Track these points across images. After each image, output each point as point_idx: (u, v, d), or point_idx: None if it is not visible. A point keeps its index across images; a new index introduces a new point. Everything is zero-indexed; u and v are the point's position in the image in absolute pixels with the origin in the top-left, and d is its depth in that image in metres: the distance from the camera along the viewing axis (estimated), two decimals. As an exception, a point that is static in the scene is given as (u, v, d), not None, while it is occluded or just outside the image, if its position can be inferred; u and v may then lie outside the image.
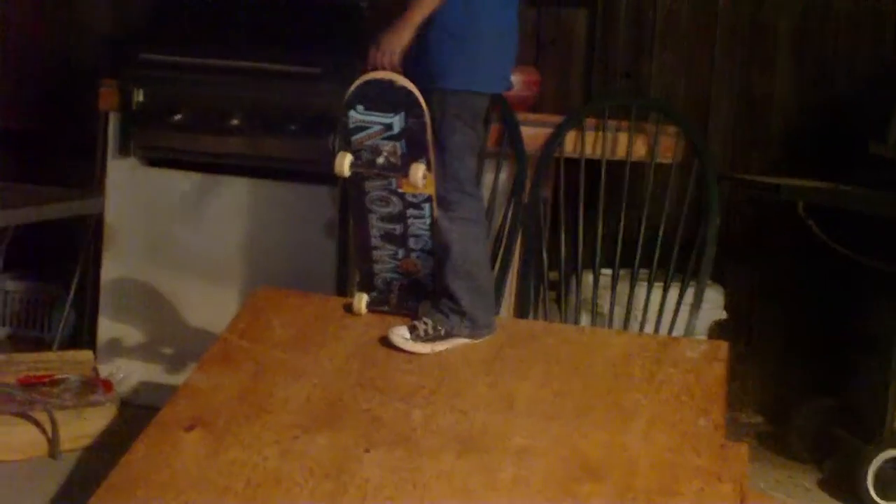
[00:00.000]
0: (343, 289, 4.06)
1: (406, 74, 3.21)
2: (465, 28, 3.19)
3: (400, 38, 3.19)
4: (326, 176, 3.68)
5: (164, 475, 2.82)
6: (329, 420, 2.98)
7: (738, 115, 4.33)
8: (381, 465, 2.82)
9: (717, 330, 3.99)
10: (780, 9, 4.28)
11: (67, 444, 3.69)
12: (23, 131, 5.03)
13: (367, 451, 2.86)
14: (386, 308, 3.46)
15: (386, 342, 3.28)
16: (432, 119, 3.22)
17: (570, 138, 3.97)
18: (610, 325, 3.86)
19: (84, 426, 3.79)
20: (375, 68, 3.19)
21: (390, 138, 3.25)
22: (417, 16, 3.17)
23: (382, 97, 3.21)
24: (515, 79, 3.93)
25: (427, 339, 3.26)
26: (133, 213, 4.37)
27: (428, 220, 3.37)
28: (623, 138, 3.93)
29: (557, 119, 4.00)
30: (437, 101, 3.22)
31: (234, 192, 4.28)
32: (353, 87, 3.24)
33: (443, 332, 3.27)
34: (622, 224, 3.87)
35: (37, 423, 3.70)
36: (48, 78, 5.08)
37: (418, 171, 3.23)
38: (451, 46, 3.20)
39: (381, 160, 3.28)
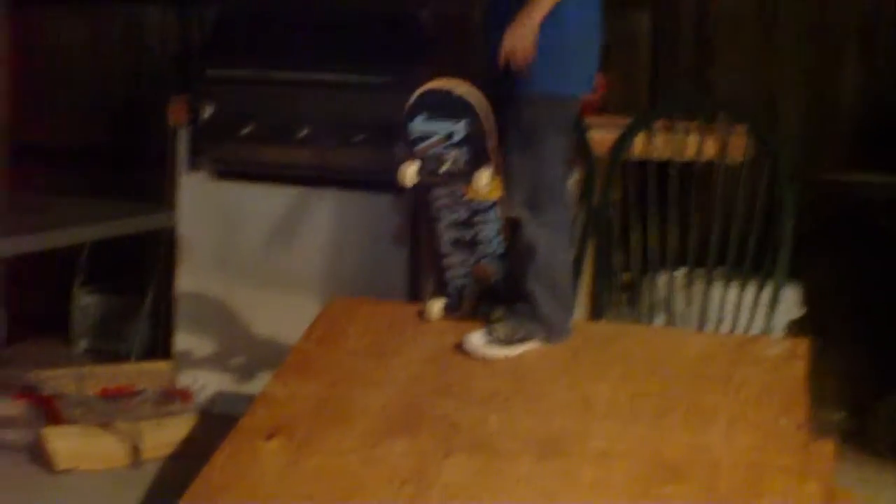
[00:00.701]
0: (415, 296, 4.07)
1: (499, 77, 3.20)
2: (553, 29, 3.17)
3: (532, 23, 3.14)
4: (395, 185, 3.70)
5: (245, 484, 2.84)
6: (407, 426, 2.99)
7: (806, 113, 4.28)
8: (461, 469, 2.82)
9: (795, 328, 3.95)
10: (848, 6, 4.23)
11: (149, 453, 3.74)
12: (95, 147, 5.10)
13: (446, 456, 2.87)
14: (459, 314, 3.46)
15: (461, 348, 3.28)
16: (521, 127, 3.21)
17: (639, 141, 3.95)
18: (685, 325, 3.83)
19: (164, 436, 3.84)
20: (507, 56, 3.16)
21: (453, 146, 3.26)
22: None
23: (442, 106, 3.23)
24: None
25: (503, 343, 3.26)
26: (205, 225, 4.42)
27: (496, 225, 3.38)
28: (692, 139, 3.90)
29: (625, 121, 3.98)
30: (526, 108, 3.21)
31: (304, 204, 4.31)
32: (413, 98, 3.26)
33: (519, 337, 3.27)
34: (694, 224, 3.84)
35: (118, 434, 3.75)
36: (119, 95, 5.15)
37: (482, 177, 3.24)
38: (542, 47, 3.17)
39: (444, 168, 3.30)
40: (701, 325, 3.80)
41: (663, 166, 3.90)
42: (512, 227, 3.36)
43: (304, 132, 4.26)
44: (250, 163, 4.41)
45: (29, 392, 3.99)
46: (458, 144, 3.26)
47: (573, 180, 3.88)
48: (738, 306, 3.75)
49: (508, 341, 3.26)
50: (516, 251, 3.35)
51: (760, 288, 3.73)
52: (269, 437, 2.99)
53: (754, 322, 3.72)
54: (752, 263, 3.76)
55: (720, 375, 3.10)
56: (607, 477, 2.75)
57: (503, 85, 3.22)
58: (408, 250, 4.18)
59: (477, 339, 3.27)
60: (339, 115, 4.23)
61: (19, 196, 4.91)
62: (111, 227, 3.75)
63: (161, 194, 4.56)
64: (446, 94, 3.22)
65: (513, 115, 3.22)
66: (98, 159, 5.08)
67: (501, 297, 3.43)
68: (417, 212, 3.78)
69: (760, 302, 3.73)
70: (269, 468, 2.89)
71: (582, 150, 3.89)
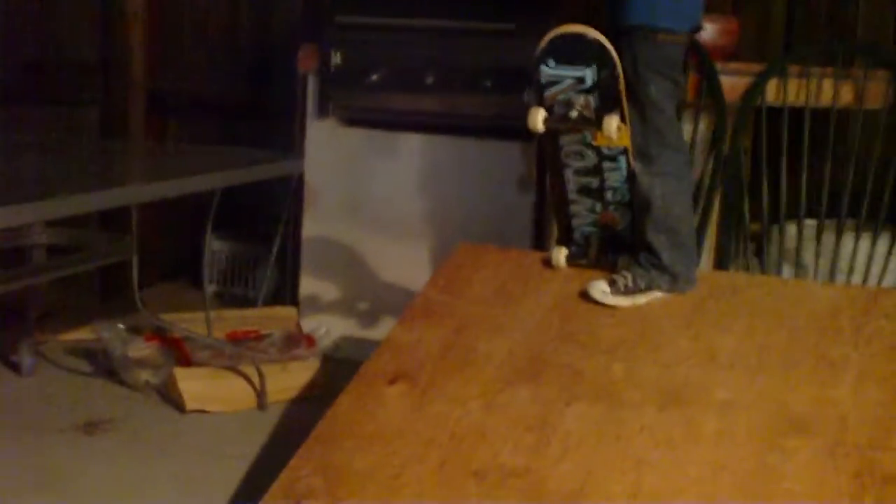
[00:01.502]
0: (540, 244, 4.06)
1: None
2: None
3: None
4: (521, 132, 3.67)
5: (369, 427, 2.87)
6: (531, 374, 2.99)
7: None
8: (583, 418, 2.81)
9: (929, 281, 3.84)
10: None
11: (274, 396, 3.81)
12: (225, 96, 5.18)
13: (568, 404, 2.86)
14: (585, 262, 3.44)
15: (585, 296, 3.26)
16: (625, 70, 3.17)
17: (772, 87, 3.85)
18: (815, 277, 3.75)
19: (289, 379, 3.90)
20: None
21: (583, 92, 3.23)
22: None
23: (573, 51, 3.19)
24: (713, 27, 3.87)
25: (627, 292, 3.23)
26: (332, 172, 4.46)
27: (624, 173, 3.34)
28: (828, 85, 3.80)
29: (758, 68, 3.89)
30: (627, 51, 3.16)
31: (430, 150, 4.32)
32: (543, 42, 3.22)
33: (643, 286, 3.24)
34: (828, 173, 3.75)
35: (245, 377, 3.83)
36: (249, 43, 5.22)
37: (612, 123, 3.19)
38: None
39: (574, 114, 3.26)
40: (831, 278, 3.72)
41: (797, 113, 3.81)
42: (630, 176, 3.32)
43: (432, 79, 4.26)
44: (378, 110, 4.43)
45: (160, 334, 4.09)
46: (589, 90, 3.22)
47: (701, 126, 3.82)
48: (869, 258, 3.66)
49: (632, 291, 3.23)
50: (634, 202, 3.31)
51: (894, 239, 3.63)
52: (393, 381, 3.02)
53: (886, 275, 3.62)
54: (886, 214, 3.66)
55: (850, 328, 3.04)
56: (731, 428, 2.71)
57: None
58: (534, 198, 4.17)
59: (601, 287, 3.25)
60: (466, 62, 4.22)
61: (152, 144, 5.02)
62: (241, 174, 3.78)
63: (290, 142, 4.61)
64: (577, 39, 3.17)
65: (622, 62, 3.17)
66: (229, 107, 5.16)
67: (627, 245, 3.40)
68: (544, 159, 3.74)
69: (893, 253, 3.63)
70: (392, 412, 2.91)
71: (712, 96, 3.83)
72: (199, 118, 5.19)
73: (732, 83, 3.86)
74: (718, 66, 3.85)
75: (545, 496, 2.58)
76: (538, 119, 3.26)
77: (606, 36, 3.17)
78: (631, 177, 3.32)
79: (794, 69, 3.84)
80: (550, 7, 4.05)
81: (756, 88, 3.84)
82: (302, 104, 4.53)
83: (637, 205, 3.31)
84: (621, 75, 3.16)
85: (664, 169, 3.24)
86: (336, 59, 4.39)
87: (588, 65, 3.18)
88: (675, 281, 3.26)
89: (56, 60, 5.08)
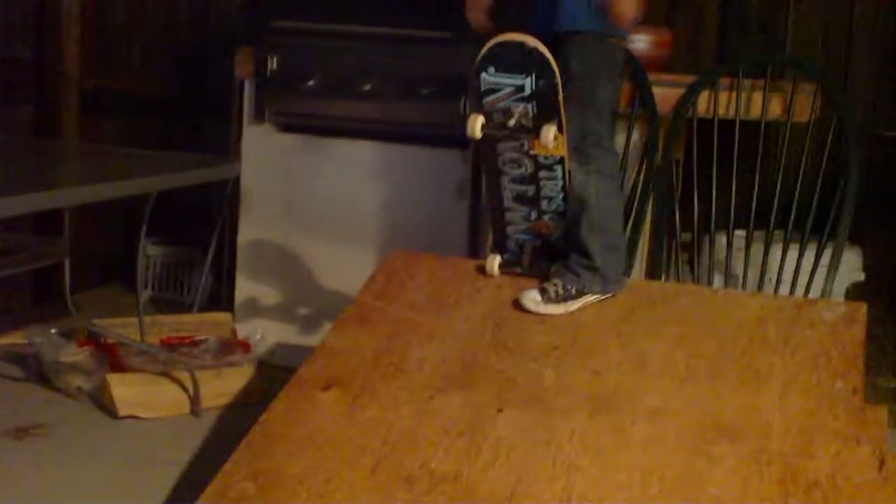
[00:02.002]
0: (475, 251, 4.08)
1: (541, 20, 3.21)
2: None
3: None
4: (458, 139, 3.70)
5: (302, 432, 2.87)
6: (463, 380, 3.01)
7: (879, 71, 4.22)
8: (515, 424, 2.83)
9: (855, 292, 3.91)
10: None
11: (208, 402, 3.80)
12: (161, 98, 5.16)
13: (500, 410, 2.89)
14: (518, 269, 3.47)
15: (518, 306, 3.29)
16: (571, 72, 3.20)
17: (703, 98, 3.91)
18: (744, 287, 3.81)
19: (224, 385, 3.89)
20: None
21: (521, 100, 3.25)
22: None
23: (513, 59, 3.20)
24: (647, 39, 3.93)
25: (558, 300, 3.26)
26: (268, 177, 4.45)
27: (560, 182, 3.37)
28: (758, 97, 3.86)
29: (690, 79, 3.95)
30: (575, 52, 3.21)
31: (367, 157, 4.33)
32: (483, 50, 3.24)
33: (574, 291, 3.27)
34: (756, 185, 3.81)
35: (179, 383, 3.81)
36: (186, 46, 5.20)
37: (549, 132, 3.22)
38: None
39: (512, 122, 3.28)
40: (759, 288, 3.78)
41: (728, 125, 3.87)
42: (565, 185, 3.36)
43: (369, 86, 4.27)
44: (315, 116, 4.42)
45: (93, 339, 4.07)
46: (527, 98, 3.24)
47: (634, 137, 3.87)
48: (797, 269, 3.73)
49: (564, 297, 3.27)
50: (568, 202, 3.35)
51: (821, 250, 3.70)
52: (327, 387, 3.03)
53: (813, 285, 3.69)
54: (813, 225, 3.73)
55: (776, 337, 3.09)
56: (660, 434, 2.76)
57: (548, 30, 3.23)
58: (469, 205, 4.19)
59: (533, 297, 3.28)
60: (403, 70, 4.23)
61: (86, 145, 4.98)
62: (177, 177, 3.78)
63: (226, 146, 4.60)
64: (517, 47, 3.20)
65: (561, 62, 3.20)
66: (164, 110, 5.14)
67: (560, 254, 3.43)
68: (480, 166, 3.77)
69: (821, 265, 3.70)
70: (325, 418, 2.92)
71: (645, 106, 3.88)
72: (134, 118, 5.16)
73: (665, 94, 3.91)
74: (651, 77, 3.90)
75: (476, 502, 2.60)
76: (477, 126, 3.28)
77: (548, 43, 3.20)
78: (567, 185, 3.35)
79: (725, 81, 3.90)
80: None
81: (688, 100, 3.89)
82: (238, 108, 4.52)
83: (570, 204, 3.34)
84: (560, 84, 3.19)
85: (599, 167, 3.29)
86: (272, 63, 4.39)
87: (527, 73, 3.21)
88: (606, 283, 3.30)
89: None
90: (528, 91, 3.23)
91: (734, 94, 3.87)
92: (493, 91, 3.27)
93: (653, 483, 2.62)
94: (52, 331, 4.05)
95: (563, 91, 3.21)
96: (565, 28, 3.25)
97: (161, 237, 4.97)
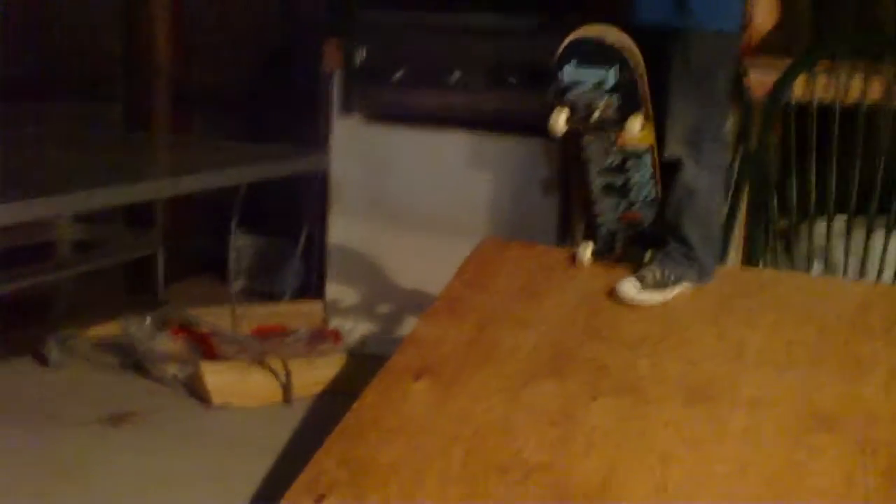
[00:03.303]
0: (565, 241, 4.04)
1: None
2: None
3: None
4: (546, 129, 3.65)
5: (393, 421, 2.86)
6: (555, 369, 2.97)
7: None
8: (608, 413, 2.79)
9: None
10: None
11: (300, 390, 3.81)
12: (251, 91, 5.18)
13: (593, 399, 2.84)
14: (611, 258, 3.42)
15: (615, 296, 3.24)
16: (690, 65, 3.15)
17: (800, 83, 3.82)
18: (845, 274, 3.72)
19: (315, 374, 3.90)
20: None
21: (605, 92, 3.20)
22: None
23: (594, 53, 3.17)
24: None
25: (657, 286, 3.21)
26: (358, 169, 4.45)
27: (649, 171, 3.32)
28: (857, 81, 3.76)
29: (785, 63, 3.86)
30: (696, 45, 3.15)
31: (456, 147, 4.31)
32: (563, 45, 3.21)
33: (672, 279, 3.22)
34: (856, 169, 3.71)
35: (271, 371, 3.83)
36: (274, 39, 5.22)
37: (635, 124, 3.18)
38: None
39: (596, 115, 3.24)
40: (861, 275, 3.69)
41: (825, 109, 3.78)
42: (666, 171, 3.30)
43: (456, 76, 4.25)
44: (402, 106, 4.42)
45: (186, 329, 4.10)
46: (610, 91, 3.20)
47: (729, 122, 3.80)
48: (900, 255, 3.63)
49: (661, 284, 3.22)
50: (673, 193, 3.29)
51: (924, 236, 3.60)
52: (418, 377, 3.01)
53: (917, 272, 3.59)
54: (916, 211, 3.63)
55: (880, 325, 3.01)
56: (757, 425, 2.70)
57: (661, 25, 3.17)
58: (559, 195, 4.15)
59: (630, 285, 3.23)
60: (491, 59, 4.21)
61: (178, 137, 5.03)
62: (267, 168, 3.80)
63: (315, 138, 4.61)
64: (598, 41, 3.16)
65: (679, 53, 3.16)
66: (254, 103, 5.16)
67: (652, 241, 3.38)
68: (568, 156, 3.73)
69: (924, 251, 3.61)
70: (416, 407, 2.91)
71: (739, 92, 3.80)
72: (223, 112, 5.19)
73: (759, 79, 3.82)
74: (745, 60, 3.81)
75: (569, 491, 2.57)
76: (560, 120, 3.24)
77: (633, 31, 3.15)
78: (658, 174, 3.30)
79: (822, 65, 3.81)
80: (575, 3, 4.03)
81: (783, 84, 3.80)
82: (326, 100, 4.52)
83: (676, 194, 3.28)
84: (643, 76, 3.14)
85: (712, 162, 3.24)
86: (360, 54, 4.39)
87: (609, 65, 3.17)
88: (703, 273, 3.26)
89: (79, 53, 5.08)
90: (610, 83, 3.18)
91: (832, 77, 3.78)
92: (576, 84, 3.23)
93: (751, 475, 2.56)
94: (147, 320, 4.09)
95: (679, 82, 3.17)
96: (690, 26, 3.19)
97: (252, 228, 4.99)
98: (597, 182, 3.40)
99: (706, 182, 3.23)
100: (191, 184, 3.59)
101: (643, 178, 3.34)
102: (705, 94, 3.19)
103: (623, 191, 3.38)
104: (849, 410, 2.71)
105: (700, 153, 3.22)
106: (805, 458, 2.58)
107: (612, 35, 3.15)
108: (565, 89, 3.24)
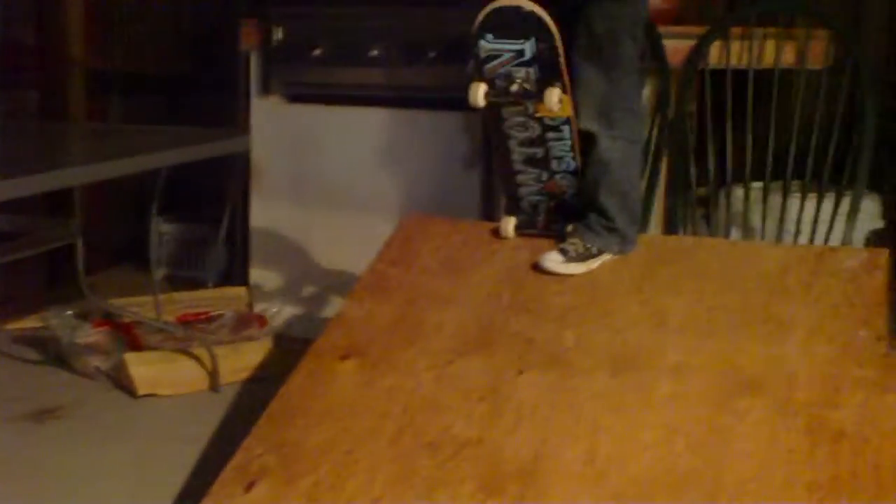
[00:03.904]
0: (488, 215, 4.04)
1: None
2: None
3: None
4: (467, 103, 3.65)
5: (322, 404, 2.85)
6: (482, 344, 2.98)
7: (892, 15, 4.15)
8: (536, 386, 2.80)
9: (875, 240, 3.86)
10: None
11: (226, 377, 3.79)
12: (166, 74, 5.12)
13: (520, 372, 2.86)
14: (534, 231, 3.43)
15: (539, 269, 3.25)
16: (594, 33, 3.15)
17: (715, 49, 3.86)
18: (762, 239, 3.77)
19: (241, 360, 3.88)
20: None
21: (522, 64, 3.21)
22: None
23: (510, 24, 3.17)
24: (655, -8, 3.87)
25: (580, 258, 3.22)
26: (278, 149, 4.42)
27: (569, 142, 3.32)
28: (770, 46, 3.81)
29: (700, 30, 3.89)
30: (597, 10, 3.15)
31: (377, 124, 4.30)
32: (480, 17, 3.20)
33: (594, 250, 3.24)
34: (772, 135, 3.76)
35: (197, 359, 3.80)
36: (189, 20, 5.16)
37: (553, 95, 3.18)
38: None
39: (514, 87, 3.25)
40: (778, 239, 3.74)
41: (741, 75, 3.82)
42: (584, 141, 3.31)
43: (376, 52, 4.23)
44: (322, 85, 4.40)
45: (109, 319, 4.05)
46: (528, 62, 3.20)
47: (646, 91, 3.82)
48: (816, 219, 3.68)
49: (585, 256, 3.23)
50: (588, 166, 3.30)
51: (839, 199, 3.65)
52: (345, 357, 3.00)
53: (833, 234, 3.64)
54: (831, 174, 3.68)
55: (798, 287, 3.04)
56: (683, 390, 2.72)
57: None
58: (481, 169, 4.15)
59: (554, 258, 3.24)
60: (409, 33, 4.20)
61: (94, 124, 4.95)
62: (186, 152, 3.74)
63: (234, 120, 4.56)
64: (514, 11, 3.15)
65: (582, 23, 3.16)
66: (170, 85, 5.10)
67: (574, 213, 3.39)
68: (489, 130, 3.72)
69: (839, 213, 3.66)
70: (344, 388, 2.90)
71: (656, 60, 3.82)
72: (140, 97, 5.13)
73: (676, 46, 3.85)
74: (661, 29, 3.84)
75: (500, 466, 2.58)
76: (479, 94, 3.24)
77: (548, 4, 3.15)
78: (577, 144, 3.31)
79: (736, 31, 3.84)
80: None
81: (699, 51, 3.84)
82: (245, 81, 4.49)
83: (591, 166, 3.29)
84: (560, 46, 3.14)
85: (626, 133, 3.25)
86: (277, 34, 4.35)
87: (526, 37, 3.16)
88: (624, 243, 3.27)
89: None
90: (528, 55, 3.19)
91: (746, 43, 3.81)
92: (494, 57, 3.23)
93: (678, 440, 2.59)
94: (68, 312, 4.05)
95: (584, 52, 3.17)
96: None
97: (173, 215, 4.95)
98: (518, 154, 3.40)
99: (619, 154, 3.24)
100: (109, 170, 3.52)
101: (563, 149, 3.35)
102: (610, 63, 3.18)
103: (544, 162, 3.39)
104: (771, 373, 2.74)
105: (612, 124, 3.23)
106: (729, 422, 2.61)
107: (528, 5, 3.14)
108: (483, 62, 3.23)
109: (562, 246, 3.27)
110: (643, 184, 3.71)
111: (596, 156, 3.27)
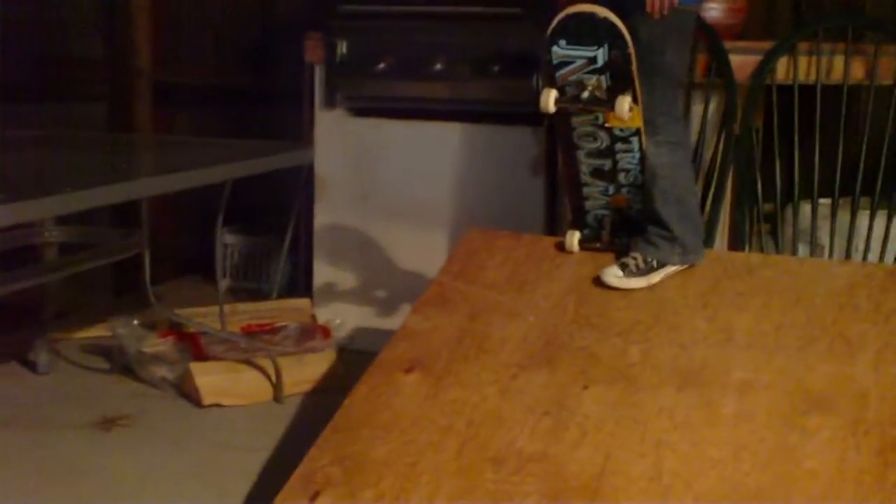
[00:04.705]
0: (553, 228, 4.04)
1: None
2: None
3: None
4: (531, 116, 3.66)
5: (385, 416, 2.85)
6: (546, 358, 2.97)
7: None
8: (600, 401, 2.79)
9: (946, 257, 3.81)
10: None
11: (290, 388, 3.80)
12: (232, 87, 5.17)
13: (585, 387, 2.84)
14: (598, 245, 3.42)
15: (599, 283, 3.24)
16: (639, 41, 3.14)
17: (782, 64, 3.83)
18: (830, 256, 3.73)
19: (305, 371, 3.89)
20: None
21: (594, 72, 3.19)
22: None
23: (584, 30, 3.15)
24: (721, 6, 3.86)
25: (640, 273, 3.21)
26: (342, 162, 4.44)
27: (637, 155, 3.31)
28: (839, 61, 3.77)
29: (766, 45, 3.86)
30: (643, 20, 3.13)
31: (440, 138, 4.31)
32: (554, 22, 3.19)
33: (655, 263, 3.22)
34: (840, 151, 3.72)
35: (261, 370, 3.82)
36: (255, 34, 5.20)
37: (624, 103, 3.16)
38: None
39: (585, 94, 3.23)
40: (847, 256, 3.69)
41: (808, 91, 3.78)
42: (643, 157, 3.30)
43: (439, 66, 4.25)
44: (386, 98, 4.41)
45: (174, 330, 4.09)
46: (600, 70, 3.19)
47: (711, 106, 3.80)
48: (885, 236, 3.63)
49: (646, 270, 3.22)
50: (644, 172, 3.29)
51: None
52: (409, 370, 3.00)
53: (903, 252, 3.60)
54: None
55: (867, 305, 3.01)
56: (750, 408, 2.70)
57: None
58: (545, 182, 4.15)
59: (614, 273, 3.23)
60: (473, 48, 4.21)
61: (161, 137, 5.01)
62: (251, 165, 3.77)
63: (298, 132, 4.59)
64: (588, 18, 3.14)
65: (630, 32, 3.14)
66: (236, 99, 5.15)
67: (639, 227, 3.37)
68: (556, 141, 3.72)
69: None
70: (408, 401, 2.90)
71: (721, 75, 3.80)
72: (206, 110, 5.18)
73: (742, 62, 3.83)
74: (727, 44, 3.82)
75: (564, 481, 2.57)
76: (550, 100, 3.23)
77: (616, 13, 3.14)
78: (643, 157, 3.30)
79: (803, 46, 3.81)
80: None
81: (766, 66, 3.81)
82: (309, 94, 4.51)
83: (644, 177, 3.28)
84: (633, 55, 3.13)
85: (669, 138, 3.24)
86: (342, 48, 4.38)
87: (599, 45, 3.15)
88: (686, 252, 3.25)
89: (62, 56, 5.06)
90: (600, 62, 3.17)
91: (814, 58, 3.78)
92: (566, 64, 3.21)
93: (745, 458, 2.56)
94: (135, 322, 4.08)
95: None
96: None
97: (238, 227, 4.98)
98: (585, 166, 3.39)
99: (666, 159, 3.23)
100: (175, 182, 3.56)
101: (631, 161, 3.33)
102: (653, 70, 3.17)
103: (612, 174, 3.38)
104: (840, 391, 2.71)
105: (656, 130, 3.23)
106: (798, 441, 2.59)
107: (603, 12, 3.13)
108: (555, 68, 3.23)
109: (623, 260, 3.26)
110: (709, 199, 3.69)
111: (646, 164, 3.26)
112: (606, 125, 3.27)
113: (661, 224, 3.24)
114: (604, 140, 3.31)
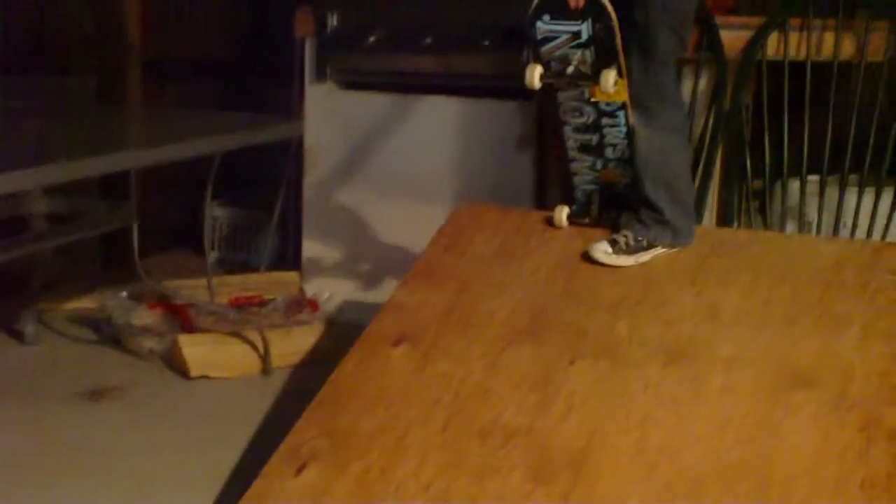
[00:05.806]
0: (541, 203, 4.04)
1: None
2: None
3: None
4: (521, 90, 3.64)
5: (372, 389, 2.86)
6: (534, 332, 2.97)
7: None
8: (587, 376, 2.80)
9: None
10: None
11: (278, 360, 3.81)
12: (222, 60, 5.15)
13: (572, 362, 2.85)
14: (587, 220, 3.42)
15: (587, 258, 3.24)
16: (633, 22, 3.14)
17: (772, 40, 3.82)
18: (818, 233, 3.74)
19: (293, 344, 3.90)
20: None
21: (578, 46, 3.19)
22: None
23: (568, 5, 3.14)
24: (713, -18, 3.85)
25: (629, 251, 3.21)
26: (332, 136, 4.44)
27: (623, 129, 3.31)
28: (829, 38, 3.77)
29: (758, 21, 3.86)
30: (639, 2, 3.13)
31: (430, 111, 4.30)
32: (536, -2, 3.19)
33: (644, 243, 3.22)
34: (830, 128, 3.72)
35: (249, 342, 3.83)
36: (244, 7, 5.18)
37: (609, 77, 3.15)
38: None
39: (570, 69, 3.23)
40: (834, 233, 3.70)
41: (798, 67, 3.78)
42: (630, 131, 3.30)
43: (429, 40, 4.23)
44: (376, 72, 4.40)
45: (163, 302, 4.09)
46: (585, 44, 3.18)
47: (702, 82, 3.80)
48: (873, 213, 3.64)
49: (635, 248, 3.21)
50: (633, 156, 3.29)
51: (898, 193, 3.62)
52: (397, 343, 3.01)
53: (890, 229, 3.60)
54: (889, 168, 3.64)
55: (854, 282, 3.01)
56: (736, 383, 2.71)
57: None
58: (534, 156, 4.15)
59: (602, 249, 3.22)
60: (463, 22, 4.20)
61: (151, 109, 4.99)
62: (240, 137, 3.76)
63: (288, 106, 4.58)
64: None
65: (623, 12, 3.13)
66: (225, 72, 5.13)
67: (629, 202, 3.37)
68: (543, 117, 3.72)
69: (898, 207, 3.62)
70: (395, 374, 2.91)
71: (712, 50, 3.80)
72: (196, 83, 5.17)
73: (732, 37, 3.82)
74: (718, 20, 3.81)
75: (550, 455, 2.58)
76: (535, 75, 3.23)
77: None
78: (631, 132, 3.29)
79: (794, 22, 3.81)
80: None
81: (756, 42, 3.80)
82: (299, 67, 4.50)
83: (636, 159, 3.28)
84: (617, 28, 3.12)
85: (664, 123, 3.22)
86: (332, 21, 4.37)
87: (583, 19, 3.15)
88: (677, 235, 3.24)
89: (55, 29, 5.04)
90: (584, 37, 3.17)
91: (804, 34, 3.78)
92: (550, 39, 3.21)
93: (730, 433, 2.57)
94: (123, 294, 4.09)
95: (623, 41, 3.14)
96: None
97: (227, 199, 4.98)
98: (572, 141, 3.39)
99: (659, 144, 3.21)
100: (164, 154, 3.55)
101: (618, 136, 3.33)
102: (646, 52, 3.16)
103: (599, 149, 3.38)
104: (825, 367, 2.72)
105: (649, 115, 3.21)
106: (782, 416, 2.60)
107: None
108: (539, 44, 3.22)
109: (613, 237, 3.26)
110: (698, 176, 3.69)
111: (637, 147, 3.26)
112: (592, 100, 3.27)
113: (652, 206, 3.24)
114: (590, 115, 3.31)
